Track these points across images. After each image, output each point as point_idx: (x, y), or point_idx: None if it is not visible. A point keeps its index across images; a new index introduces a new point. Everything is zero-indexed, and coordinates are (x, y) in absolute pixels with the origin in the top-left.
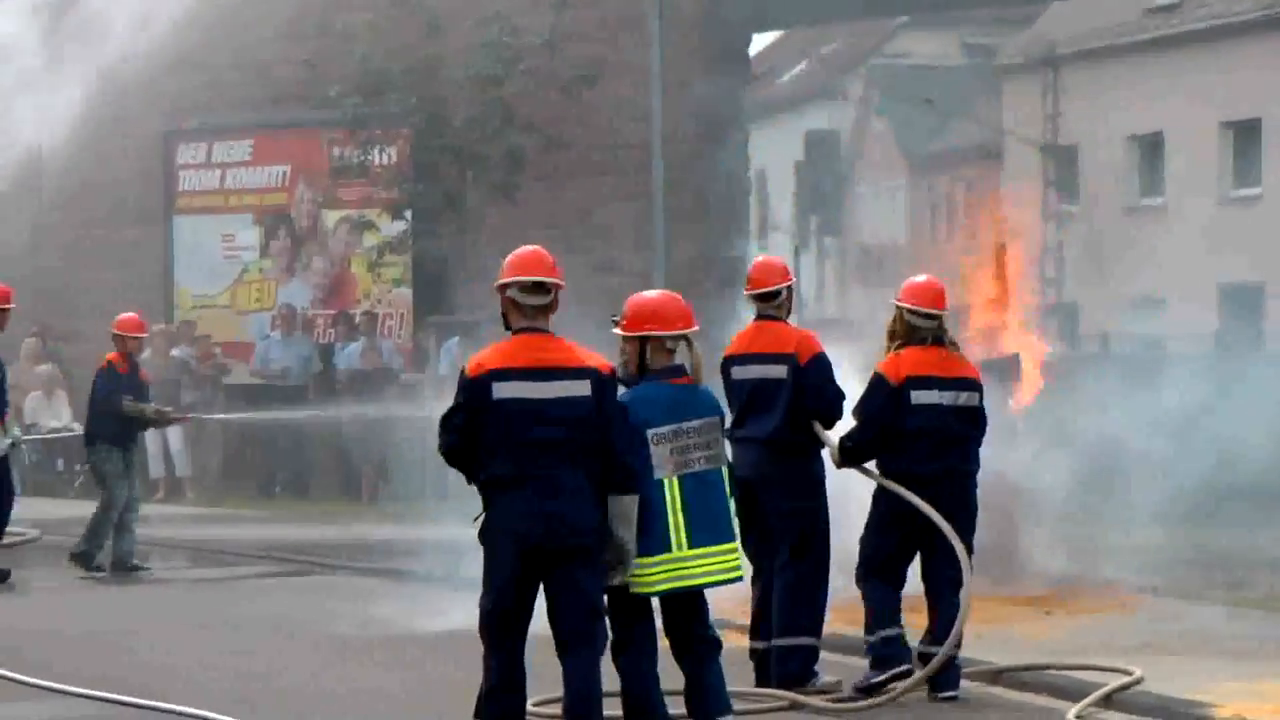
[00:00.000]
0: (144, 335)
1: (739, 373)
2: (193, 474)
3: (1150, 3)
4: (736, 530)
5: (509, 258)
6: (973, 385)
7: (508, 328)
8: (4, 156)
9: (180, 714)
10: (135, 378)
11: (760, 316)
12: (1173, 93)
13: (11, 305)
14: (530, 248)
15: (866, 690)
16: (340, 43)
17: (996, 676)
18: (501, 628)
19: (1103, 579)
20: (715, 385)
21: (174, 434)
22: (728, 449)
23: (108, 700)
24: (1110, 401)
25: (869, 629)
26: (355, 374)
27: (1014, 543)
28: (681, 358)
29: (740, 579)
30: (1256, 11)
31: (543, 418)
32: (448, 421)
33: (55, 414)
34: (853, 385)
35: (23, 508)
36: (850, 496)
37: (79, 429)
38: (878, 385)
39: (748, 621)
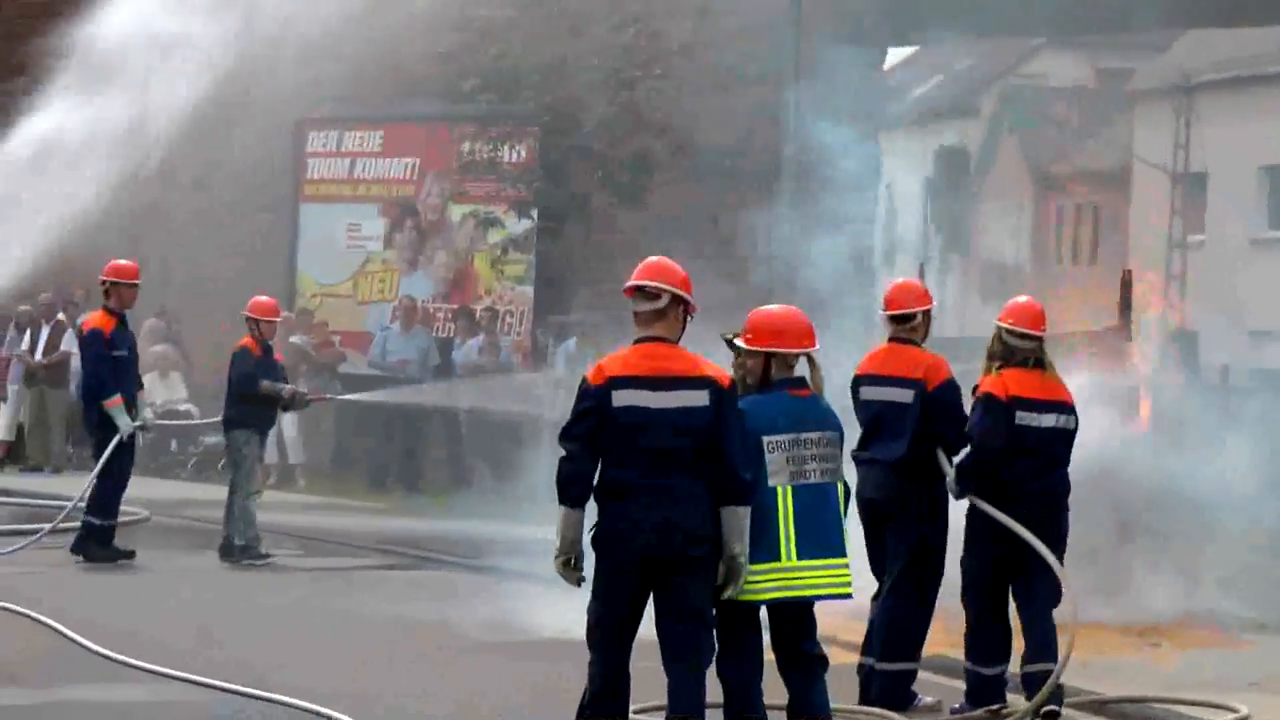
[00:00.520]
0: (277, 319)
1: (867, 393)
2: (305, 461)
3: None
4: (848, 547)
5: None
6: (1070, 409)
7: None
8: (135, 139)
9: (289, 706)
10: (270, 360)
11: (894, 338)
12: None
13: (138, 281)
14: (653, 258)
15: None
16: (477, 38)
17: (1101, 707)
18: (609, 634)
19: (1213, 613)
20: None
21: (289, 421)
22: (852, 468)
23: (216, 688)
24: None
25: (969, 657)
26: (473, 369)
27: (1124, 571)
28: (802, 371)
29: (849, 596)
30: None
31: (660, 426)
32: (571, 430)
33: (170, 394)
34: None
35: (134, 488)
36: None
37: (195, 411)
38: (990, 405)
39: (852, 639)
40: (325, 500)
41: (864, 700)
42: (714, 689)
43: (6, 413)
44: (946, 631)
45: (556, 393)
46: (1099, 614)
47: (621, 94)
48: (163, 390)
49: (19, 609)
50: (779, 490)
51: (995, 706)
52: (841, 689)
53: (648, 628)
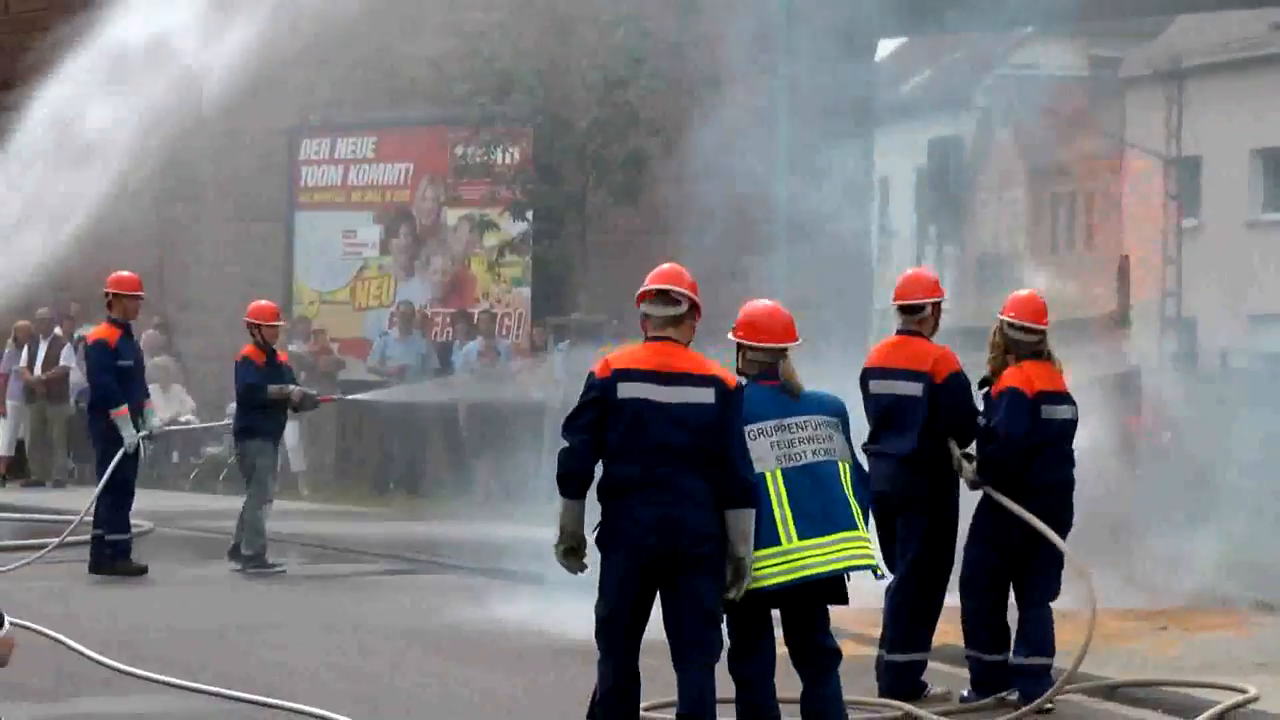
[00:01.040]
0: (279, 323)
1: (876, 387)
2: (307, 469)
3: (1277, 17)
4: (861, 520)
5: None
6: (1073, 400)
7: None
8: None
9: (300, 712)
10: (274, 365)
11: (902, 330)
12: None
13: (141, 293)
14: (667, 265)
15: (966, 701)
16: (467, 42)
17: (1111, 692)
18: (618, 634)
19: (1220, 596)
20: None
21: (289, 429)
22: (861, 461)
23: (225, 696)
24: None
25: (972, 645)
26: (472, 374)
27: (1130, 556)
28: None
29: (870, 567)
30: None
31: (665, 421)
32: (574, 421)
33: (174, 409)
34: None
35: (136, 499)
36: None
37: (196, 422)
38: (1018, 400)
39: (863, 631)
40: (328, 507)
41: (884, 693)
42: (725, 685)
43: (7, 428)
44: (956, 622)
45: (556, 392)
46: (1105, 599)
47: (614, 94)
48: (164, 404)
49: (26, 624)
50: (767, 476)
51: (1004, 694)
52: (850, 682)
53: (655, 626)
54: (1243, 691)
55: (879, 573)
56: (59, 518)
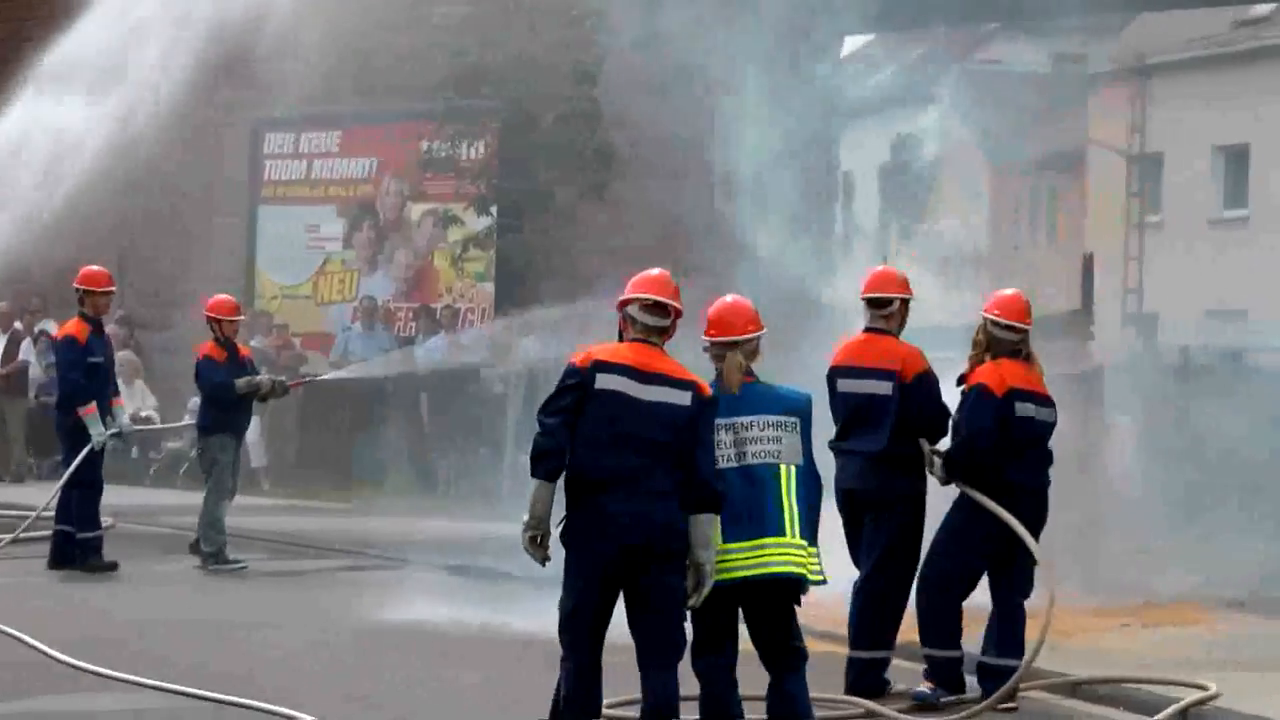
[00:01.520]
0: (239, 318)
1: (845, 385)
2: (269, 464)
3: (1240, 15)
4: (791, 526)
5: (634, 278)
6: (1052, 402)
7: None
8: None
9: (264, 710)
10: (236, 359)
11: (870, 327)
12: (1260, 105)
13: (113, 289)
14: (657, 270)
15: (926, 700)
16: (434, 36)
17: (1073, 689)
18: (582, 630)
19: (1183, 592)
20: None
21: (250, 424)
22: (829, 458)
23: (188, 695)
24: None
25: (933, 642)
26: (435, 367)
27: (1095, 554)
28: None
29: (795, 575)
30: None
31: (641, 417)
32: (551, 404)
33: (134, 402)
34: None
35: None
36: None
37: (157, 417)
38: (984, 398)
39: (826, 628)
40: (290, 502)
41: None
42: (688, 682)
43: None
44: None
45: (519, 388)
46: (1069, 596)
47: (580, 88)
48: (127, 398)
49: None
50: None
51: (963, 696)
52: (823, 680)
53: (617, 624)
54: (1204, 688)
55: (808, 583)
56: (17, 513)
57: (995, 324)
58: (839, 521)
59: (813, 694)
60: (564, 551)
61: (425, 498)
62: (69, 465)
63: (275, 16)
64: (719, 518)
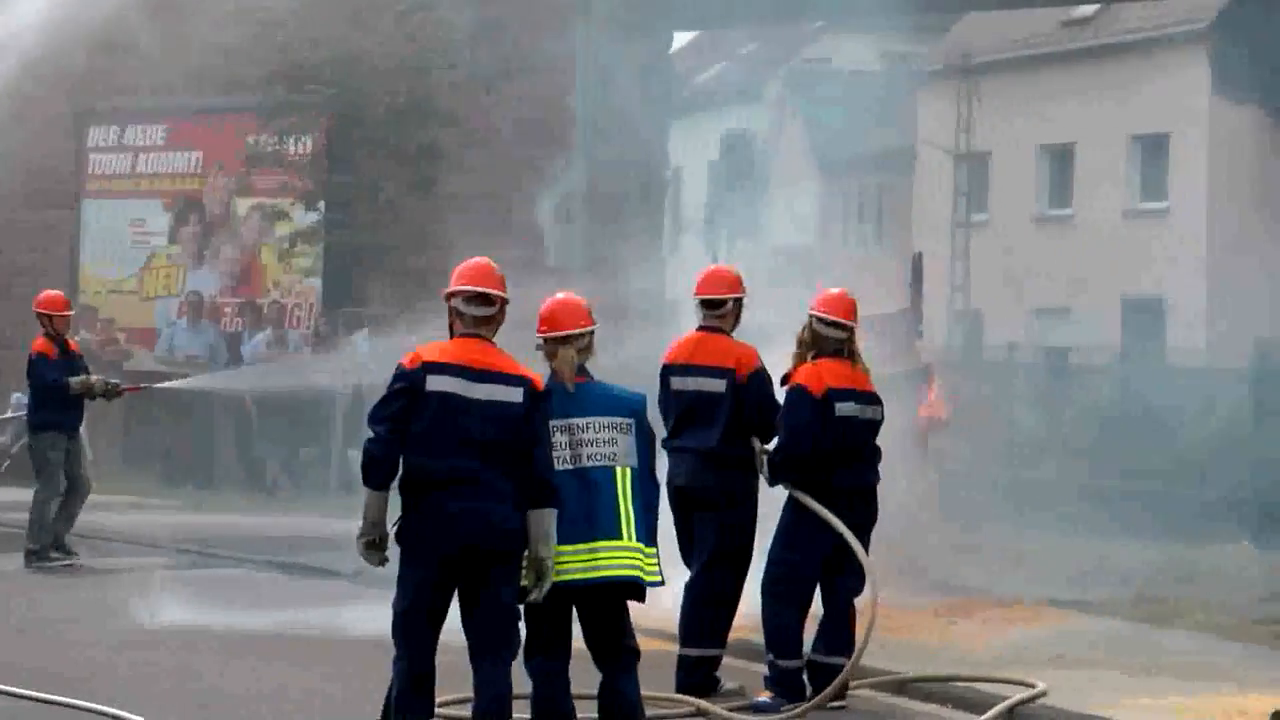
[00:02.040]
0: (69, 313)
1: (678, 383)
2: (92, 459)
3: (1066, 15)
4: (627, 528)
5: (457, 267)
6: (878, 399)
7: (451, 334)
8: None
9: (92, 711)
10: (69, 356)
11: (703, 326)
12: (1084, 104)
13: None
14: (479, 259)
15: (766, 710)
16: (261, 29)
17: (901, 687)
18: (416, 630)
19: (1011, 590)
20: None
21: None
22: (662, 456)
23: (15, 695)
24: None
25: (775, 651)
26: (262, 363)
27: (921, 553)
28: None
29: (630, 578)
30: (1170, 28)
31: (474, 416)
32: (381, 411)
33: None
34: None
35: None
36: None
37: None
38: (801, 397)
39: (655, 626)
40: (115, 499)
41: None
42: (520, 681)
43: None
44: (750, 616)
45: (347, 384)
46: (897, 594)
47: (409, 83)
48: None
49: None
50: None
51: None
52: (653, 678)
53: (449, 623)
54: (1032, 686)
55: (646, 586)
56: None
57: (821, 321)
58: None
59: (643, 692)
60: (399, 551)
61: (253, 494)
62: None
63: (100, 9)
64: (557, 512)
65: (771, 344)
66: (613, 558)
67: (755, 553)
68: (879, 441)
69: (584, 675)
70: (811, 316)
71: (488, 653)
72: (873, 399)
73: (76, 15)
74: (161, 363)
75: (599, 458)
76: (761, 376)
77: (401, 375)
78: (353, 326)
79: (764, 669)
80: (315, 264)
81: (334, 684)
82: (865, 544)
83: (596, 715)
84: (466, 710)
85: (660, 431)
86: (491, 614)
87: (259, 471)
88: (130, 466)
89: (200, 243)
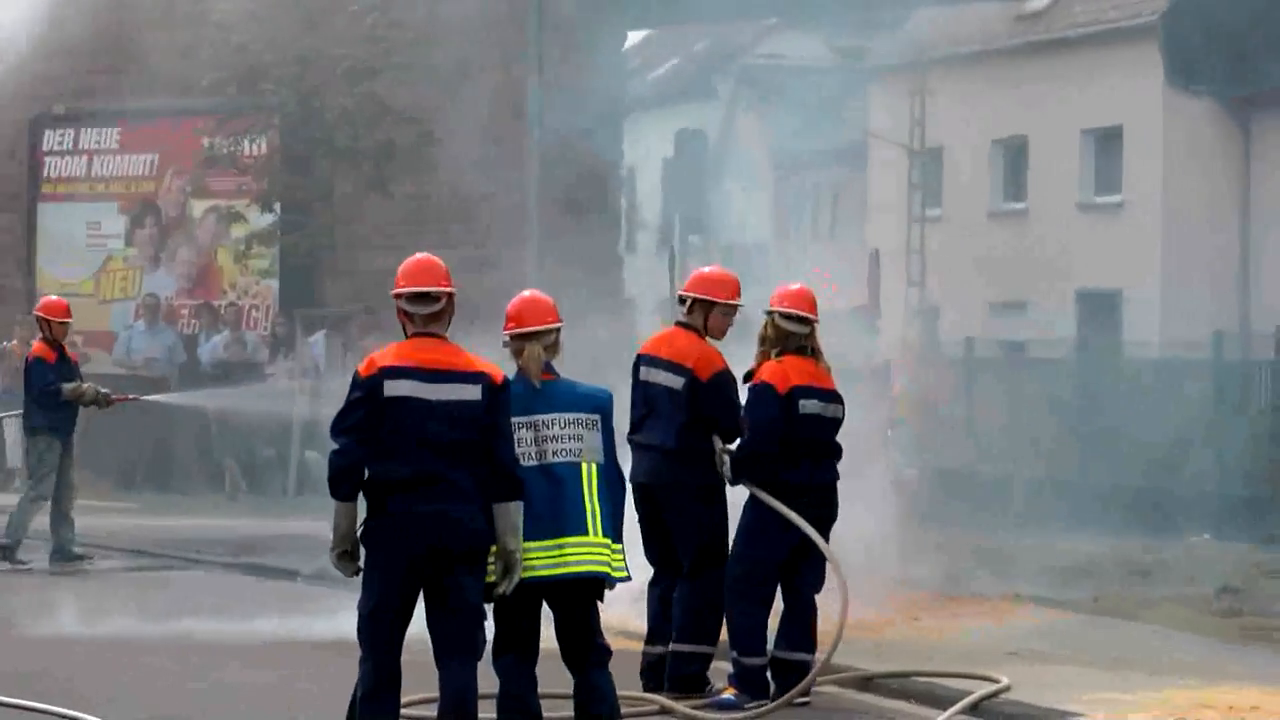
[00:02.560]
0: (69, 320)
1: (645, 374)
2: None
3: (1018, 9)
4: (593, 524)
5: (400, 266)
6: (840, 397)
7: (405, 334)
8: None
9: (48, 713)
10: (65, 362)
11: (679, 323)
12: (1037, 98)
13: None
14: (420, 255)
15: (730, 708)
16: (215, 31)
17: (865, 683)
18: (382, 630)
19: (971, 586)
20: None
21: (11, 423)
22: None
23: None
24: (978, 407)
25: (739, 648)
26: (219, 365)
27: (884, 548)
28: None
29: (598, 574)
30: (1121, 21)
31: (434, 418)
32: (342, 421)
33: None
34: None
35: None
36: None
37: None
38: (766, 395)
39: (628, 626)
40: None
41: (650, 688)
42: (487, 681)
43: None
44: None
45: (304, 384)
46: (859, 591)
47: (363, 84)
48: None
49: None
50: None
51: (767, 703)
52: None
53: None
54: (995, 681)
55: (612, 581)
56: None
57: (785, 317)
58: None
59: (622, 693)
60: (365, 553)
61: (212, 496)
62: None
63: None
64: (523, 505)
65: (730, 340)
66: (580, 553)
67: None
68: (839, 438)
69: (551, 675)
70: (774, 313)
71: (453, 652)
72: (834, 396)
73: (29, 19)
74: (119, 365)
75: (564, 454)
76: (723, 377)
77: (358, 384)
78: (311, 328)
79: (728, 666)
80: (272, 265)
81: (296, 685)
82: (826, 538)
83: (572, 715)
84: (432, 710)
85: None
86: (457, 614)
87: (217, 473)
88: (86, 469)
89: (156, 245)
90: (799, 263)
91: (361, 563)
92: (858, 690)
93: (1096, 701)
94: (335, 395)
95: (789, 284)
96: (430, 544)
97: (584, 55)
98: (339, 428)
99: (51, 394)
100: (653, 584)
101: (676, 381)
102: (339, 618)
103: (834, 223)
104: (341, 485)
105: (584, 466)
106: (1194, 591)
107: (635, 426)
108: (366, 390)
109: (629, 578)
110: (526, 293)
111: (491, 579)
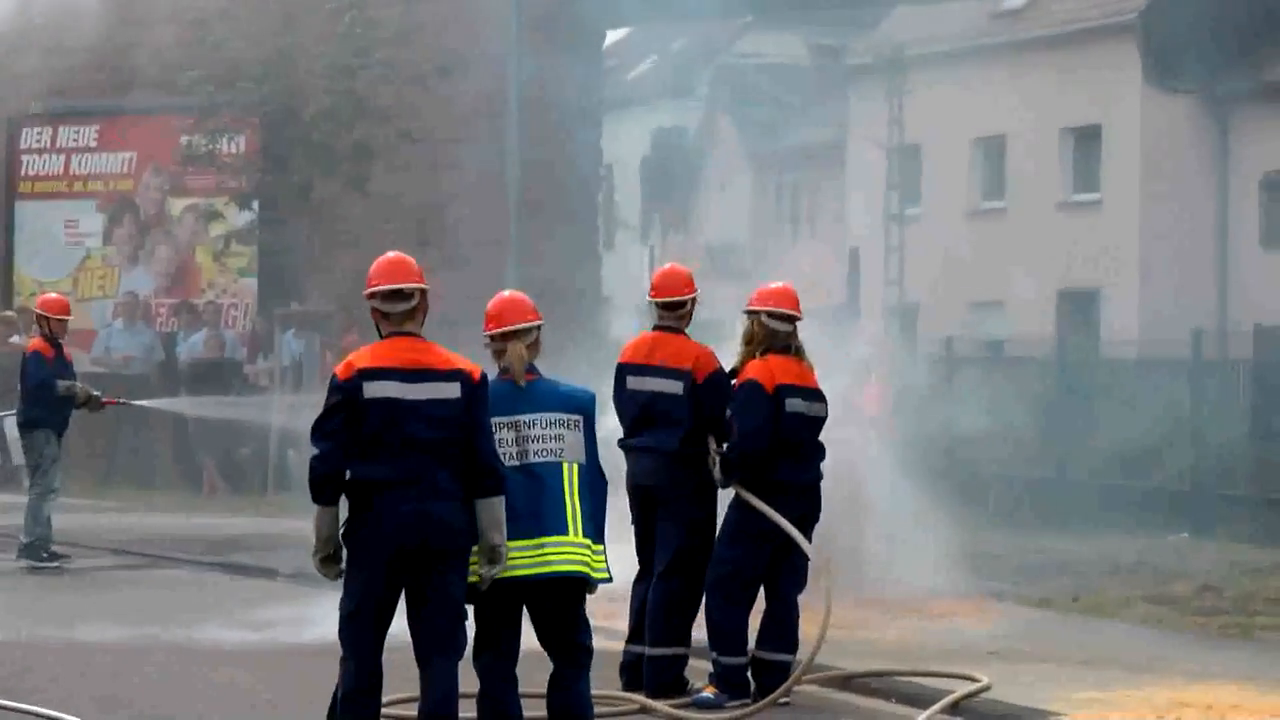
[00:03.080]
0: (69, 317)
1: (634, 383)
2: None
3: (996, 7)
4: (574, 524)
5: (371, 266)
6: (823, 396)
7: (380, 334)
8: None
9: (29, 713)
10: (62, 359)
11: (659, 326)
12: (1016, 97)
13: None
14: (391, 254)
15: (711, 706)
16: (193, 29)
17: (846, 682)
18: (364, 631)
19: (952, 585)
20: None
21: (9, 421)
22: (619, 456)
23: None
24: (957, 405)
25: (719, 648)
26: (198, 364)
27: (864, 548)
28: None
29: (577, 574)
30: (1100, 20)
31: (414, 418)
32: (322, 426)
33: None
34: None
35: None
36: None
37: None
38: (756, 394)
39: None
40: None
41: (630, 688)
42: (468, 680)
43: None
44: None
45: (284, 383)
46: (840, 590)
47: (341, 82)
48: None
49: None
50: None
51: (748, 702)
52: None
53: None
54: (976, 680)
55: (593, 582)
56: None
57: (771, 315)
58: (624, 518)
59: (597, 692)
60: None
61: (190, 494)
62: None
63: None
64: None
65: (706, 339)
66: (560, 553)
67: None
68: (821, 438)
69: (533, 675)
70: (760, 312)
71: (434, 652)
72: (818, 395)
73: (9, 16)
74: (98, 364)
75: (546, 454)
76: (720, 377)
77: (337, 387)
78: (290, 326)
79: (708, 665)
80: (251, 264)
81: (276, 684)
82: (809, 540)
83: (545, 715)
84: (413, 710)
85: (607, 428)
86: (439, 613)
87: (195, 471)
88: (65, 466)
89: (135, 243)
90: (778, 261)
91: (343, 565)
92: (838, 689)
93: (1076, 700)
94: (315, 395)
95: (769, 283)
96: (412, 543)
97: (562, 54)
98: (319, 432)
99: (48, 389)
100: (637, 581)
101: (675, 386)
102: (319, 617)
103: (813, 221)
104: (323, 490)
105: (565, 466)
106: (1173, 590)
107: (630, 432)
108: (345, 394)
109: (610, 579)
110: (506, 292)
111: (474, 579)
